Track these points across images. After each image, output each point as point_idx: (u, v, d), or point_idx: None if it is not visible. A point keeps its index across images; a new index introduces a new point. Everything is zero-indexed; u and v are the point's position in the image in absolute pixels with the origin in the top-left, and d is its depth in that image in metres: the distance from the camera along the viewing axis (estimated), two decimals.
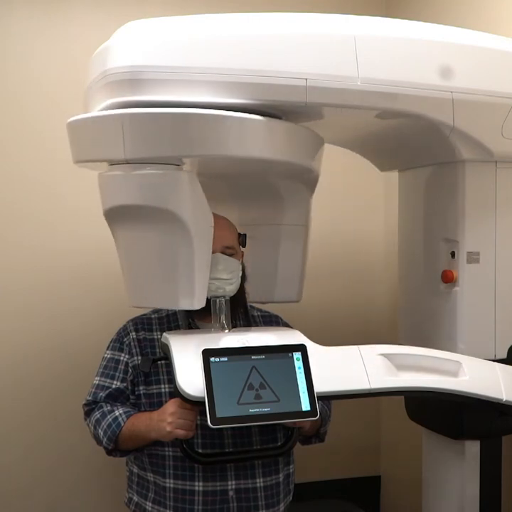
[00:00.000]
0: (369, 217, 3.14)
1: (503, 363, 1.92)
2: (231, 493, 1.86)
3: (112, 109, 1.59)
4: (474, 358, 1.87)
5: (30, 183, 2.69)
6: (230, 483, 1.86)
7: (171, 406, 1.74)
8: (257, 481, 1.89)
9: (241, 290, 1.97)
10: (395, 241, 2.33)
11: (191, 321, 1.97)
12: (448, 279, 1.98)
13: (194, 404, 1.63)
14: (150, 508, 1.90)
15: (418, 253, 2.14)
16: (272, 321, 2.11)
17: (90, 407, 1.95)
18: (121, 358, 1.96)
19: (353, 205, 3.11)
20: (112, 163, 1.66)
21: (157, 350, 1.93)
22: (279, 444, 1.89)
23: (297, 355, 1.68)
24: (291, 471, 2.01)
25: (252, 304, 2.10)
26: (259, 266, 2.08)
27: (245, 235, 2.01)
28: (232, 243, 1.94)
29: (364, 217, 3.13)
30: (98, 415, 1.91)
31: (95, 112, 1.64)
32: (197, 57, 1.58)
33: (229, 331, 1.82)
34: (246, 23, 1.67)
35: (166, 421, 1.73)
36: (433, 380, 1.78)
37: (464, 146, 1.87)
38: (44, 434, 2.73)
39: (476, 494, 2.03)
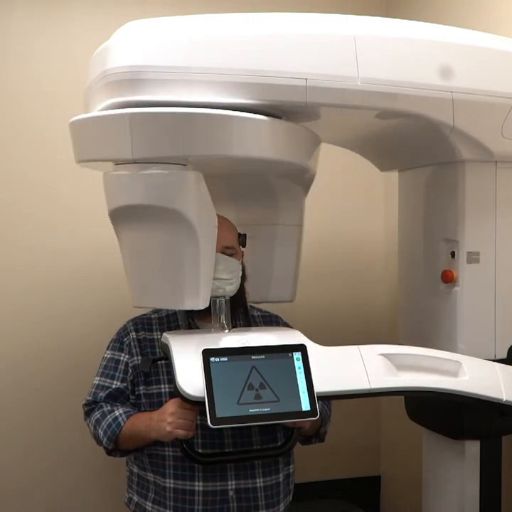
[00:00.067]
0: (369, 217, 3.14)
1: (503, 363, 1.92)
2: (231, 493, 1.86)
3: (112, 109, 1.59)
4: (474, 358, 1.87)
5: (30, 183, 2.69)
6: (230, 483, 1.86)
7: (171, 406, 1.74)
8: (257, 481, 1.89)
9: (241, 290, 1.98)
10: (395, 241, 2.33)
11: (191, 321, 1.97)
12: (448, 279, 1.98)
13: (194, 404, 1.63)
14: (150, 508, 1.90)
15: (418, 253, 2.14)
16: (271, 321, 2.11)
17: (90, 407, 1.95)
18: (121, 358, 1.96)
19: (353, 205, 3.11)
20: (118, 162, 1.65)
21: (157, 350, 1.93)
22: (279, 444, 1.89)
23: (297, 355, 1.68)
24: (291, 471, 2.01)
25: (252, 304, 2.10)
26: (254, 266, 2.08)
27: (245, 235, 2.01)
28: (232, 243, 1.94)
29: (364, 217, 3.13)
30: (98, 415, 1.91)
31: (101, 112, 1.62)
32: (197, 57, 1.58)
33: (229, 331, 1.82)
34: (246, 23, 1.67)
35: (166, 421, 1.73)
36: (433, 380, 1.78)
37: (464, 146, 1.87)
38: (44, 434, 2.73)
39: (476, 494, 2.03)
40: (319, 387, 1.65)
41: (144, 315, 2.04)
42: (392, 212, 2.60)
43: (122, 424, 1.85)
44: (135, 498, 1.96)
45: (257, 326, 2.05)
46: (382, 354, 1.76)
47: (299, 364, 1.67)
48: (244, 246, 2.01)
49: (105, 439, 1.87)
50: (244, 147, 1.63)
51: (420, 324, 2.15)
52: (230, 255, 1.91)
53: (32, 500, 2.72)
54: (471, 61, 1.81)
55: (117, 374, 1.94)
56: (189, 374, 1.62)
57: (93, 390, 1.95)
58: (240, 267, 1.96)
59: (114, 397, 1.93)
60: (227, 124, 1.58)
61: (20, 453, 2.71)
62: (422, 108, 1.78)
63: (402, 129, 1.94)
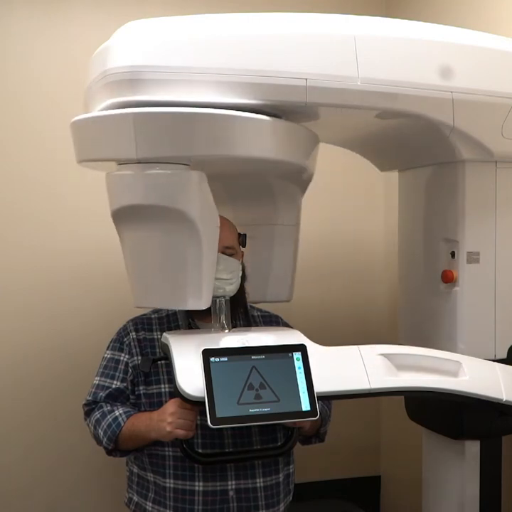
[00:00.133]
0: (369, 217, 3.14)
1: (503, 363, 1.92)
2: (231, 493, 1.86)
3: (113, 109, 1.59)
4: (474, 358, 1.87)
5: (30, 183, 2.69)
6: (230, 483, 1.86)
7: (170, 406, 1.74)
8: (257, 481, 1.89)
9: (241, 290, 1.98)
10: (395, 241, 2.33)
11: (191, 321, 1.97)
12: (448, 279, 1.98)
13: (194, 404, 1.63)
14: (150, 508, 1.90)
15: (418, 253, 2.14)
16: (272, 321, 2.11)
17: (90, 407, 1.95)
18: (121, 358, 1.96)
19: (353, 205, 3.11)
20: (121, 162, 1.65)
21: (157, 350, 1.93)
22: (279, 444, 1.89)
23: (297, 355, 1.68)
24: (291, 471, 2.01)
25: (252, 304, 2.10)
26: (252, 266, 2.08)
27: (245, 235, 2.01)
28: (232, 243, 1.94)
29: (364, 217, 3.13)
30: (98, 415, 1.91)
31: (104, 111, 1.61)
32: (197, 58, 1.58)
33: (229, 331, 1.82)
34: (246, 23, 1.66)
35: (166, 421, 1.73)
36: (433, 380, 1.78)
37: (464, 146, 1.87)
38: (44, 434, 2.73)
39: (476, 494, 2.03)
40: (319, 387, 1.65)
41: (144, 315, 2.04)
42: (392, 212, 2.60)
43: (122, 424, 1.85)
44: (135, 498, 1.96)
45: (257, 326, 2.05)
46: (382, 354, 1.76)
47: (299, 364, 1.67)
48: (244, 246, 2.01)
49: (105, 439, 1.87)
50: (249, 147, 1.63)
51: (420, 324, 2.15)
52: (230, 255, 1.91)
53: (32, 500, 2.72)
54: (471, 61, 1.81)
55: (117, 374, 1.94)
56: (189, 374, 1.62)
57: (93, 390, 1.95)
58: (240, 267, 1.96)
59: (114, 397, 1.93)
60: (231, 124, 1.58)
61: (20, 453, 2.71)
62: (422, 108, 1.78)
63: (402, 129, 1.94)
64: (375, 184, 3.07)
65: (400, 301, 2.30)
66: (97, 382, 1.96)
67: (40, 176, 2.69)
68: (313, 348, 1.72)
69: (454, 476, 2.06)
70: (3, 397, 2.69)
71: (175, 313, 2.02)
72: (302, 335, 1.80)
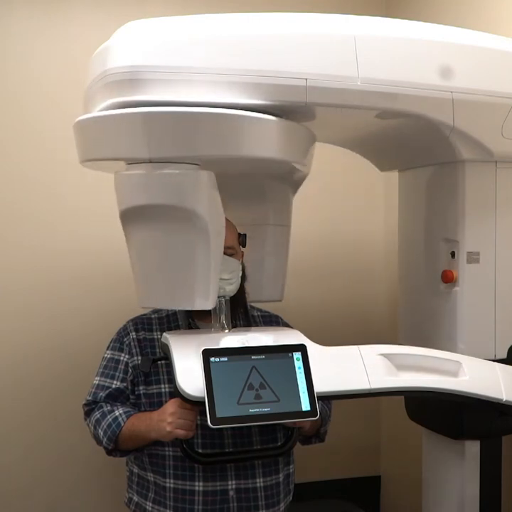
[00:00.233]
0: (369, 217, 3.14)
1: (503, 363, 1.92)
2: (231, 493, 1.86)
3: (113, 109, 1.59)
4: (474, 358, 1.87)
5: (30, 183, 2.69)
6: (230, 483, 1.86)
7: (171, 406, 1.74)
8: (257, 481, 1.89)
9: (241, 290, 1.98)
10: (395, 241, 2.33)
11: (191, 321, 1.97)
12: (448, 279, 1.98)
13: (194, 404, 1.63)
14: (150, 508, 1.90)
15: (418, 253, 2.14)
16: (272, 321, 2.11)
17: (90, 407, 1.95)
18: (121, 358, 1.96)
19: (353, 205, 3.11)
20: (131, 162, 1.64)
21: (157, 350, 1.93)
22: (279, 444, 1.89)
23: (297, 355, 1.68)
24: (291, 471, 2.01)
25: (252, 304, 2.10)
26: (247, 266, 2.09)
27: (245, 235, 2.01)
28: (232, 243, 1.94)
29: (364, 217, 3.13)
30: (98, 415, 1.91)
31: (115, 110, 1.59)
32: (197, 57, 1.58)
33: (229, 331, 1.82)
34: (246, 23, 1.66)
35: (166, 421, 1.73)
36: (433, 380, 1.78)
37: (464, 146, 1.87)
38: (44, 434, 2.73)
39: (476, 494, 2.03)
40: (319, 387, 1.65)
41: (144, 315, 2.04)
42: (392, 212, 2.60)
43: (122, 424, 1.85)
44: (135, 498, 1.96)
45: (257, 326, 2.05)
46: (382, 354, 1.76)
47: (299, 364, 1.67)
48: (244, 246, 2.01)
49: (105, 439, 1.87)
50: (259, 147, 1.63)
51: (420, 324, 2.15)
52: (230, 255, 1.91)
53: (32, 500, 2.72)
54: (471, 61, 1.81)
55: (117, 374, 1.94)
56: (189, 374, 1.62)
57: (93, 390, 1.95)
58: (240, 267, 1.96)
59: (114, 397, 1.93)
60: (241, 124, 1.58)
61: (20, 453, 2.71)
62: (422, 108, 1.78)
63: (402, 129, 1.94)
64: (375, 184, 3.07)
65: (400, 301, 2.30)
66: (97, 382, 1.96)
67: (40, 176, 2.69)
68: (313, 348, 1.72)
69: (454, 476, 2.06)
70: (3, 397, 2.69)
71: (175, 313, 2.02)
72: (302, 335, 1.80)
